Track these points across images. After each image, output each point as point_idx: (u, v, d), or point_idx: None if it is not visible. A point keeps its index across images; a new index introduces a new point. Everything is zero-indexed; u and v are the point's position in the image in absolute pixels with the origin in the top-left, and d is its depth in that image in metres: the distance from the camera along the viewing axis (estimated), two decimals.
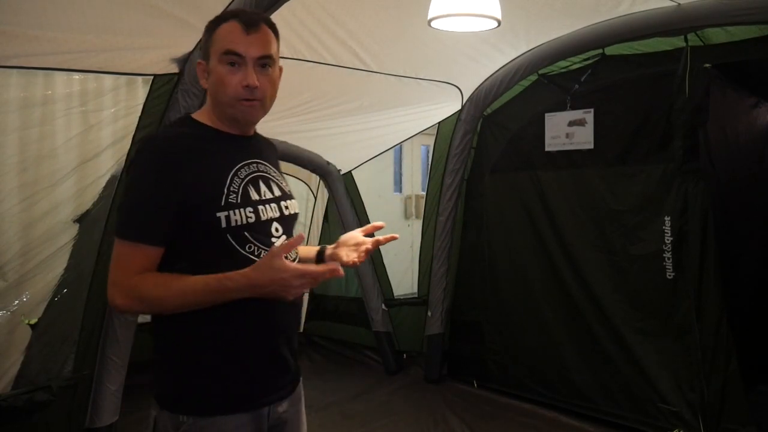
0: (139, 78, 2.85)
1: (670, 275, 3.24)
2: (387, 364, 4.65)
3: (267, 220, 1.41)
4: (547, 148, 3.82)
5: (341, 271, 1.28)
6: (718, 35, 3.09)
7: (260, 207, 1.40)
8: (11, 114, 2.73)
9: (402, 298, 4.83)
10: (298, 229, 1.62)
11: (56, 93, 2.81)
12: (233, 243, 1.36)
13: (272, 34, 1.44)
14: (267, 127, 3.78)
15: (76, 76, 2.81)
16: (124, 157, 2.85)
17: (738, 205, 3.74)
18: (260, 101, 1.41)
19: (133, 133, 2.83)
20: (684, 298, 3.20)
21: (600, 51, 3.52)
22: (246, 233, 1.37)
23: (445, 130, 4.35)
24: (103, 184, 2.91)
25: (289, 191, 1.52)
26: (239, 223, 1.35)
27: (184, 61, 2.77)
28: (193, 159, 1.36)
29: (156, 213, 1.33)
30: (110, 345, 2.87)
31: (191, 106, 2.80)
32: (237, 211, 1.35)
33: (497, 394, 4.06)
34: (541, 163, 3.86)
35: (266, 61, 1.41)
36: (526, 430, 3.58)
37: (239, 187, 1.38)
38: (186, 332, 1.37)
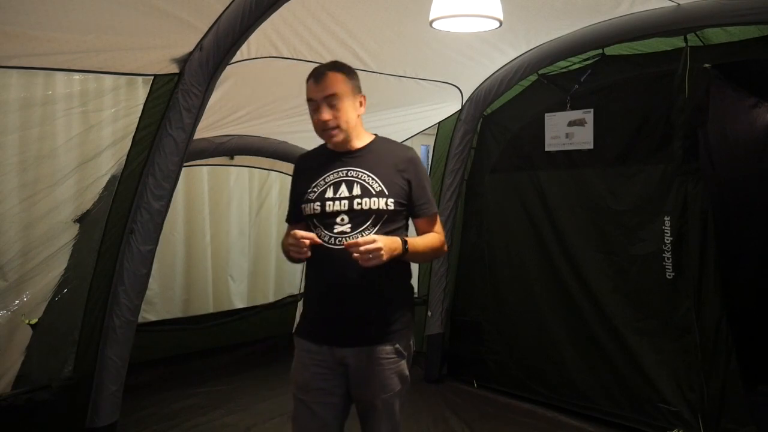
0: (140, 78, 2.84)
1: (669, 275, 3.25)
2: None
3: (332, 212, 1.96)
4: (547, 148, 3.82)
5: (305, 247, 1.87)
6: (717, 35, 3.09)
7: (328, 202, 1.96)
8: (11, 114, 2.73)
9: None
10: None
11: (56, 93, 2.81)
12: (311, 226, 1.99)
13: (339, 75, 1.98)
14: (269, 126, 3.80)
15: (77, 76, 2.81)
16: (124, 158, 2.85)
17: (738, 205, 3.74)
18: (337, 128, 1.96)
19: (133, 133, 2.83)
20: (684, 298, 3.20)
21: (600, 51, 3.51)
22: (315, 220, 1.98)
23: (445, 130, 4.35)
24: (103, 184, 2.90)
25: (377, 191, 1.96)
26: (309, 212, 1.99)
27: (184, 62, 2.77)
28: (306, 170, 2.08)
29: (291, 206, 2.15)
30: (110, 345, 2.87)
31: (191, 106, 2.80)
32: (309, 204, 1.99)
33: (497, 394, 4.06)
34: (541, 163, 3.87)
35: (332, 99, 1.95)
36: (526, 430, 3.58)
37: (321, 188, 1.99)
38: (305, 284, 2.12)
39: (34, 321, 2.77)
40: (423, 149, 6.87)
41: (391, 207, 1.96)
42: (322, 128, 1.98)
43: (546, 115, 3.82)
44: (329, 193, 1.98)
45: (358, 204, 1.95)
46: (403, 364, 2.04)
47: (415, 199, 2.03)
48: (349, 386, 2.01)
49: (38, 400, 2.68)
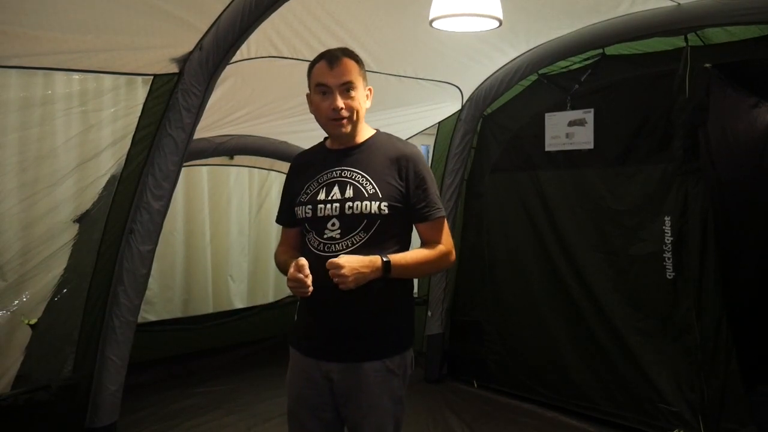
0: (139, 78, 2.84)
1: (670, 275, 3.24)
2: None
3: (323, 216, 1.82)
4: (547, 148, 3.82)
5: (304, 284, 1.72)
6: (718, 35, 3.09)
7: (320, 206, 1.83)
8: (11, 114, 2.73)
9: None
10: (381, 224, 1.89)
11: (56, 93, 2.81)
12: (303, 230, 1.89)
13: (353, 63, 1.86)
14: (269, 126, 3.79)
15: (76, 76, 2.81)
16: (124, 157, 2.85)
17: (738, 205, 3.73)
18: (347, 119, 1.82)
19: (132, 133, 2.83)
20: (684, 298, 3.20)
21: (600, 51, 3.51)
22: (306, 224, 1.86)
23: (445, 130, 4.35)
24: (103, 184, 2.91)
25: (371, 194, 1.81)
26: (301, 216, 1.87)
27: (183, 61, 2.77)
28: (301, 170, 1.95)
29: (282, 205, 2.02)
30: (110, 345, 2.87)
31: (191, 105, 2.80)
32: (302, 207, 1.86)
33: (497, 394, 4.06)
34: (541, 163, 3.86)
35: (348, 86, 1.82)
36: (526, 430, 3.57)
37: (314, 189, 1.87)
38: None
39: (33, 321, 2.77)
40: (423, 149, 6.87)
41: (386, 211, 1.79)
42: (331, 117, 1.81)
43: (546, 115, 3.81)
44: (321, 196, 1.84)
45: (350, 208, 1.79)
46: (397, 384, 1.85)
47: (414, 202, 1.84)
48: (336, 404, 1.87)
49: (38, 400, 2.67)
